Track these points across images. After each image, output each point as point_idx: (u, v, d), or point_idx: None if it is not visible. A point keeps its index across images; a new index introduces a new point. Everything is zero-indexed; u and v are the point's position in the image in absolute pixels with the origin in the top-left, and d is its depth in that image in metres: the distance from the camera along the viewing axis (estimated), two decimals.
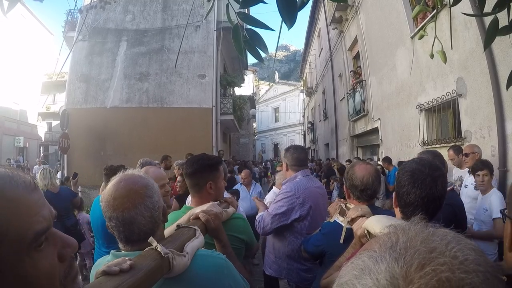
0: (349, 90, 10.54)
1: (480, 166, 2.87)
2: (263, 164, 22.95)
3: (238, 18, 1.04)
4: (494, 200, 2.71)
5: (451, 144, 4.32)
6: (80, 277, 0.61)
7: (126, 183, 0.93)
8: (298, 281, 2.32)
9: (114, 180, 0.96)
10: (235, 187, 5.09)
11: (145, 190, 0.93)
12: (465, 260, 0.34)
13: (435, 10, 1.59)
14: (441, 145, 4.95)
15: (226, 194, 2.43)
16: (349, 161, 9.40)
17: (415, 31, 5.75)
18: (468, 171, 3.31)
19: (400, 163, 5.47)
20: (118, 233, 0.92)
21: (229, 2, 1.18)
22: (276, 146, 35.33)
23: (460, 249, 0.35)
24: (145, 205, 0.91)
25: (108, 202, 0.92)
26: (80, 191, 8.69)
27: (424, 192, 1.16)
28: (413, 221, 0.43)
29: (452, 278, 0.32)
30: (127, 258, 0.78)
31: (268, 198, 3.80)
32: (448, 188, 1.97)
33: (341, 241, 1.44)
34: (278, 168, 6.78)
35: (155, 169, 1.81)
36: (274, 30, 1.03)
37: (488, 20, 1.29)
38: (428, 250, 0.35)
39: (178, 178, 3.78)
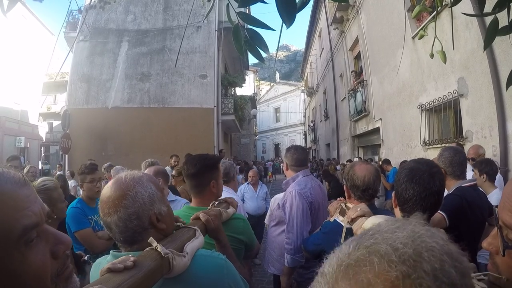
0: (350, 90, 10.53)
1: (477, 166, 2.86)
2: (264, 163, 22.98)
3: (239, 18, 1.04)
4: (494, 201, 2.69)
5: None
6: (76, 277, 0.60)
7: (110, 189, 0.92)
8: (299, 279, 2.32)
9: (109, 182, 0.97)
10: (241, 187, 4.96)
11: (121, 201, 0.89)
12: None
13: (435, 11, 1.58)
14: (442, 145, 4.94)
15: (232, 194, 2.42)
16: (349, 161, 9.40)
17: (416, 31, 5.74)
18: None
19: (402, 162, 5.45)
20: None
21: (229, 2, 1.18)
22: (277, 146, 35.34)
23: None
24: (118, 216, 0.88)
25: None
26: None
27: (422, 187, 1.19)
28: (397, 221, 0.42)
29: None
30: (130, 255, 0.78)
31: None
32: (468, 184, 1.94)
33: (342, 241, 1.43)
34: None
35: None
36: (274, 30, 1.02)
37: (489, 20, 1.28)
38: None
39: None
